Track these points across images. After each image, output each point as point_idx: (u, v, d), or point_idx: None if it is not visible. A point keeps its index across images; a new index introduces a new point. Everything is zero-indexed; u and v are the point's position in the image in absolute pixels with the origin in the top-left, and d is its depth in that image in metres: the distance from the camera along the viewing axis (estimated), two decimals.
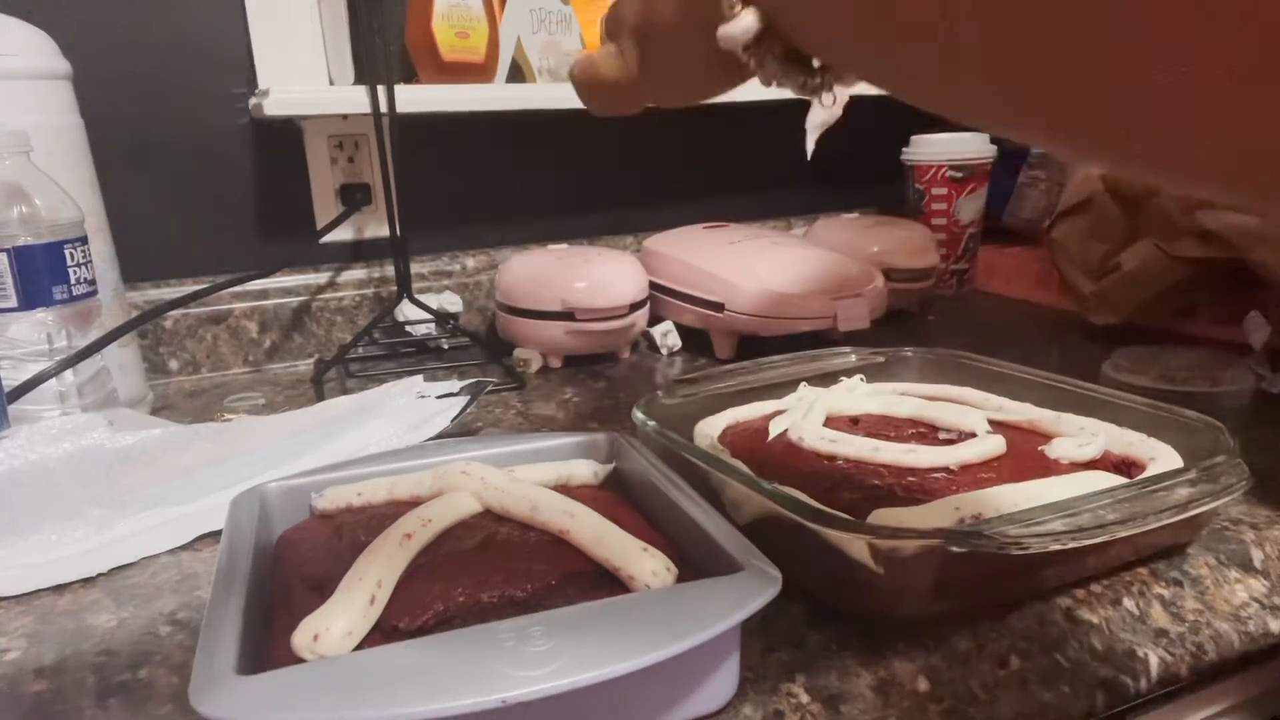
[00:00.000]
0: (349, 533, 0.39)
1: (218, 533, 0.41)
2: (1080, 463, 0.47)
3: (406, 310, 0.85)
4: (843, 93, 0.32)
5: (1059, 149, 0.18)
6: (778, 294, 0.79)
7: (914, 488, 0.44)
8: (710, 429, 0.53)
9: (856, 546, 0.36)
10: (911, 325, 0.93)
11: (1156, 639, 0.40)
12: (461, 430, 0.63)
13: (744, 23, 0.28)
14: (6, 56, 0.61)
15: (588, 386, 0.77)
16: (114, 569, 0.47)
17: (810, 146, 0.40)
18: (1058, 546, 0.35)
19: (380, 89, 0.77)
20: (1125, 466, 0.47)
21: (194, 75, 0.81)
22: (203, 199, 0.84)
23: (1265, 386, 0.65)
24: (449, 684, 0.27)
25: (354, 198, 0.88)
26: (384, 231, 0.87)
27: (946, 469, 0.45)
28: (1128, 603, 0.41)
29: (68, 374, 0.59)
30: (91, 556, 0.47)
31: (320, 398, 0.73)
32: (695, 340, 0.86)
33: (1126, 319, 0.80)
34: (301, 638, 0.31)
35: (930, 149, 1.02)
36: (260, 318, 0.86)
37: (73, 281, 0.59)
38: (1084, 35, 0.15)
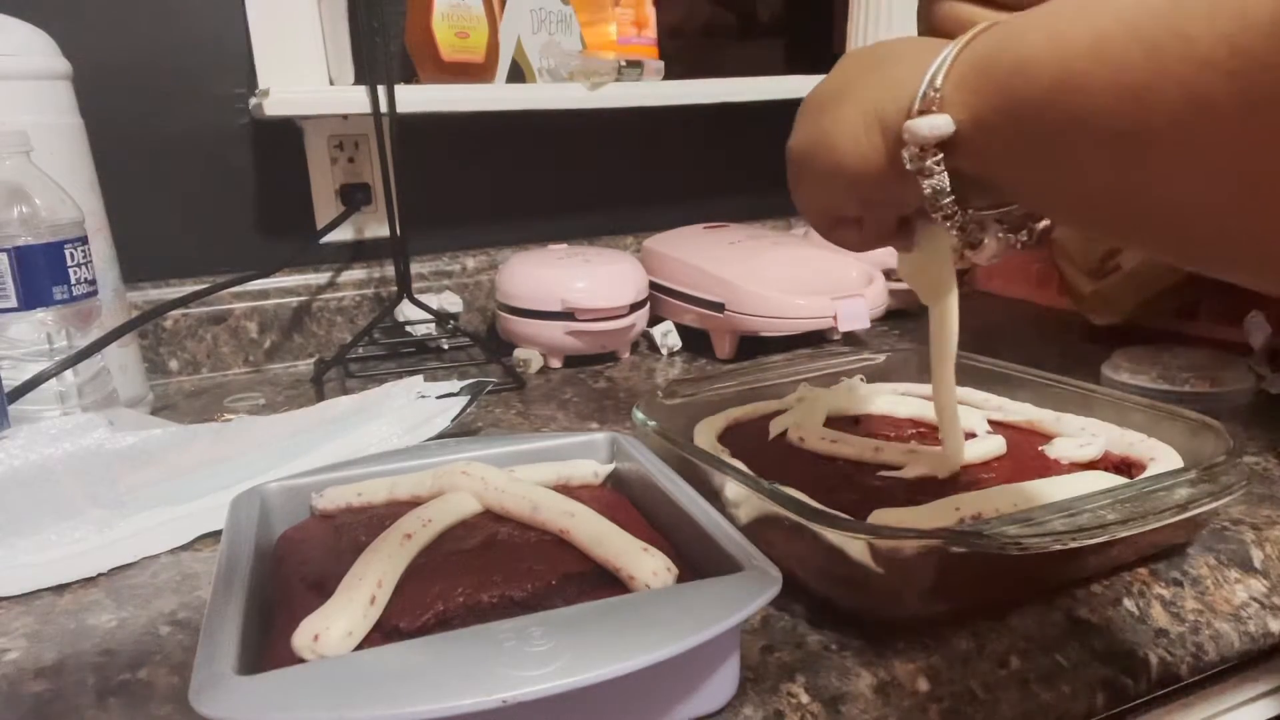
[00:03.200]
0: (349, 533, 0.39)
1: (218, 533, 0.41)
2: (1080, 463, 0.47)
3: (407, 310, 0.85)
4: (993, 247, 0.34)
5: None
6: (778, 294, 0.79)
7: (914, 488, 0.44)
8: (710, 429, 0.53)
9: (857, 546, 0.36)
10: (911, 325, 0.93)
11: (1157, 639, 0.40)
12: (462, 430, 0.63)
13: (937, 121, 0.29)
14: (7, 56, 0.61)
15: (588, 387, 0.77)
16: (114, 569, 0.47)
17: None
18: (1058, 546, 0.35)
19: (380, 89, 0.77)
20: (1125, 467, 0.47)
21: (194, 75, 0.81)
22: (203, 199, 0.84)
23: (1265, 386, 0.65)
24: (449, 684, 0.27)
25: (354, 198, 0.88)
26: (384, 231, 0.87)
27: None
28: (1128, 603, 0.41)
29: (68, 374, 0.59)
30: (92, 556, 0.47)
31: (320, 398, 0.73)
32: (695, 340, 0.86)
33: (1126, 319, 0.80)
34: (302, 638, 0.31)
35: None
36: (260, 318, 0.86)
37: (73, 281, 0.59)
38: None
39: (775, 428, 0.52)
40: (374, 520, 0.40)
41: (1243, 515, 0.47)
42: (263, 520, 0.41)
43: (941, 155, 0.30)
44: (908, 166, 0.31)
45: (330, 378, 0.80)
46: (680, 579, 0.35)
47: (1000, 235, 0.34)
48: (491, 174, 0.97)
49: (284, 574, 0.38)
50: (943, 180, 0.31)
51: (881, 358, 0.64)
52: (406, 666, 0.28)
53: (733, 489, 0.43)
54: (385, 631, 0.32)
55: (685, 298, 0.85)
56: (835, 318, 0.79)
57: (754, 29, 1.18)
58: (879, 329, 0.90)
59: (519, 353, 0.83)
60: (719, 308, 0.81)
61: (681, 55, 1.00)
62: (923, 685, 0.36)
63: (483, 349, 0.85)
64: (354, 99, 0.78)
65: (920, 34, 0.40)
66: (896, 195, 0.34)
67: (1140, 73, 0.23)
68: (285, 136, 0.86)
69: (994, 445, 0.48)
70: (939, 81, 0.30)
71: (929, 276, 0.41)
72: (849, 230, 0.39)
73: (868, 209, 0.36)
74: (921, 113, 0.30)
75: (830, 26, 1.17)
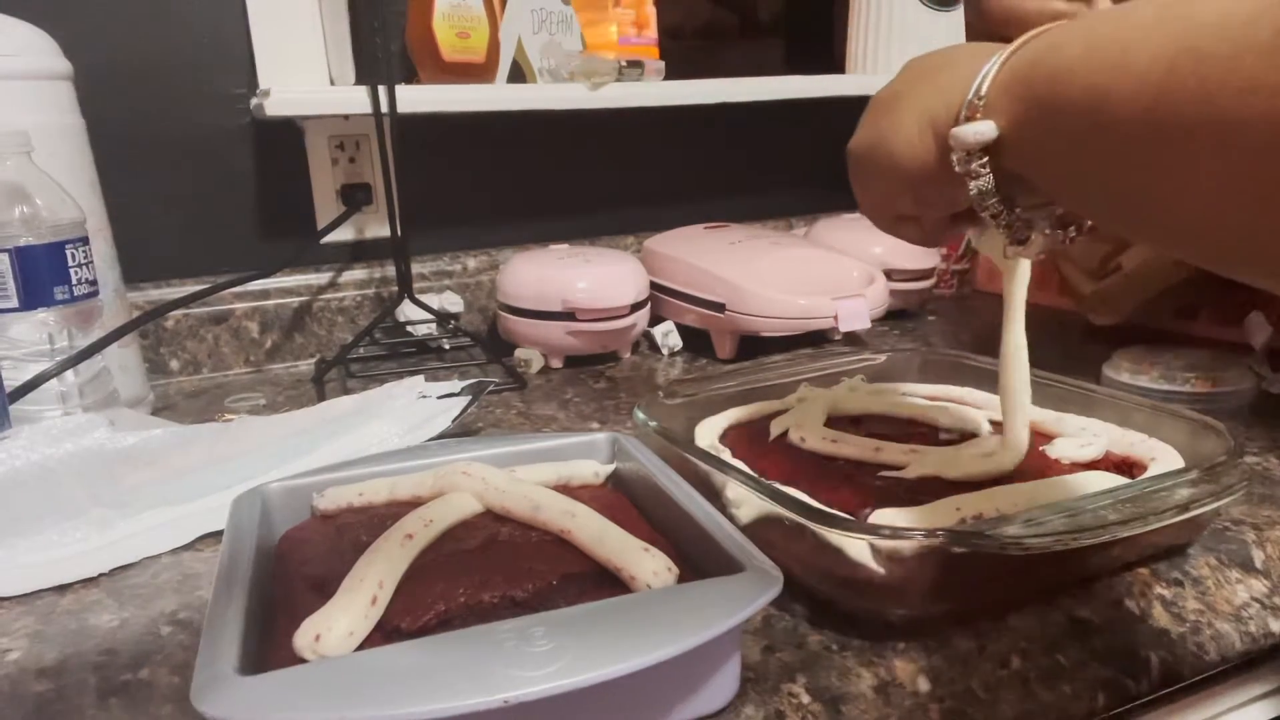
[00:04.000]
0: (350, 533, 0.39)
1: (219, 533, 0.41)
2: (1081, 463, 0.47)
3: (407, 310, 0.85)
4: (1038, 244, 0.36)
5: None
6: (779, 294, 0.79)
7: (915, 488, 0.44)
8: (711, 429, 0.53)
9: (857, 547, 0.36)
10: (912, 325, 0.93)
11: (1158, 639, 0.40)
12: (462, 430, 0.63)
13: (980, 127, 0.31)
14: (7, 57, 0.61)
15: (589, 387, 0.77)
16: (115, 569, 0.47)
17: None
18: (1059, 546, 0.35)
19: (381, 89, 0.77)
20: (1126, 467, 0.47)
21: (195, 75, 0.81)
22: (204, 199, 0.84)
23: (1265, 386, 0.65)
24: (451, 684, 0.27)
25: (355, 198, 0.88)
26: (385, 232, 0.87)
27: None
28: (1129, 603, 0.41)
29: (69, 374, 0.59)
30: (93, 556, 0.47)
31: (321, 398, 0.73)
32: (696, 340, 0.86)
33: (1127, 319, 0.80)
34: (303, 638, 0.31)
35: None
36: (261, 318, 0.86)
37: (74, 282, 0.59)
38: None
39: (776, 428, 0.52)
40: (375, 520, 0.40)
41: (1244, 515, 0.47)
42: (264, 520, 0.41)
43: (986, 159, 0.32)
44: (956, 169, 0.33)
45: (331, 378, 0.80)
46: (681, 579, 0.35)
47: (1048, 232, 0.36)
48: (492, 174, 0.97)
49: (285, 574, 0.38)
50: (988, 182, 0.33)
51: (882, 358, 0.64)
52: (408, 667, 0.28)
53: (734, 489, 0.43)
54: (386, 632, 0.32)
55: (686, 298, 0.85)
56: (836, 318, 0.79)
57: (754, 29, 1.18)
58: (879, 329, 0.90)
59: (520, 353, 0.83)
60: (720, 308, 0.81)
61: (682, 55, 1.00)
62: (923, 685, 0.36)
63: (484, 349, 0.85)
64: (355, 99, 0.78)
65: (968, 20, 0.43)
66: (949, 195, 0.36)
67: (1156, 84, 0.24)
68: (286, 136, 0.86)
69: (995, 445, 0.48)
70: (984, 89, 0.32)
71: (997, 251, 0.43)
72: (910, 226, 0.41)
73: (923, 207, 0.38)
74: (968, 119, 0.32)
75: (830, 27, 1.17)
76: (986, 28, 0.42)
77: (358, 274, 0.90)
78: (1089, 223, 0.37)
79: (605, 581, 0.36)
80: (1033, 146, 0.30)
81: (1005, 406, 0.46)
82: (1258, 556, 0.44)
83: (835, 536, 0.37)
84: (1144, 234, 0.29)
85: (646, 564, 0.35)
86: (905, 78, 0.39)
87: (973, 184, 0.33)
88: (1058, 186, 0.31)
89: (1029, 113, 0.30)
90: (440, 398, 0.63)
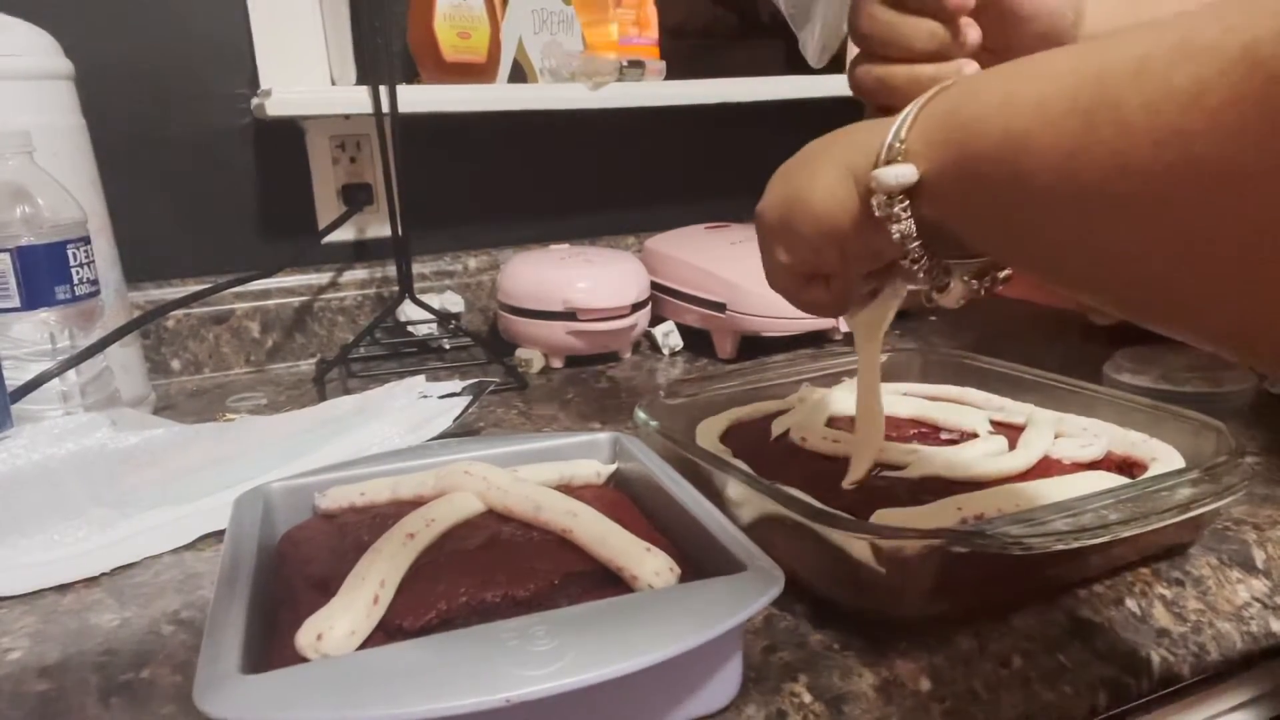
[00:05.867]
0: (352, 532, 0.39)
1: (221, 532, 0.41)
2: (1082, 463, 0.47)
3: (408, 310, 0.85)
4: (958, 291, 0.36)
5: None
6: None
7: (916, 488, 0.44)
8: (712, 429, 0.54)
9: (859, 546, 0.36)
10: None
11: (1159, 639, 0.40)
12: (463, 430, 0.63)
13: (901, 169, 0.31)
14: (9, 57, 0.61)
15: (589, 386, 0.77)
16: (117, 568, 0.47)
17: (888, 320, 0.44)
18: (1060, 546, 0.35)
19: (382, 89, 0.77)
20: (1127, 467, 0.47)
21: (196, 75, 0.81)
22: (205, 199, 0.84)
23: (1267, 386, 0.65)
24: (452, 683, 0.27)
25: (356, 198, 0.88)
26: (386, 232, 0.87)
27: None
28: (1130, 603, 0.41)
29: (70, 374, 0.59)
30: (94, 556, 0.47)
31: (322, 398, 0.73)
32: (697, 340, 0.86)
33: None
34: (305, 637, 0.31)
35: None
36: (262, 318, 0.86)
37: (75, 281, 0.59)
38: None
39: (777, 428, 0.53)
40: (377, 520, 0.40)
41: (1244, 515, 0.47)
42: (266, 520, 0.41)
43: (908, 202, 0.32)
44: (876, 213, 0.33)
45: (332, 378, 0.80)
46: (683, 579, 0.35)
47: (964, 279, 0.36)
48: (493, 174, 0.97)
49: (287, 573, 0.38)
50: (909, 226, 0.32)
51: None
52: (409, 666, 0.28)
53: (735, 489, 0.43)
54: (388, 631, 0.32)
55: (687, 298, 0.85)
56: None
57: (755, 29, 1.18)
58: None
59: (520, 353, 0.83)
60: (720, 308, 0.81)
61: (682, 55, 0.99)
62: (925, 685, 0.36)
63: (484, 349, 0.85)
64: (356, 99, 0.78)
65: (854, 93, 0.42)
66: (873, 244, 0.35)
67: (1075, 136, 0.24)
68: (287, 136, 0.86)
69: (996, 446, 0.48)
70: (903, 133, 0.31)
71: (873, 323, 0.44)
72: (818, 290, 0.40)
73: (845, 262, 0.37)
74: (888, 162, 0.32)
75: None
76: (860, 99, 0.41)
77: (358, 274, 0.90)
78: (1006, 272, 0.36)
79: (607, 581, 0.36)
80: (951, 192, 0.30)
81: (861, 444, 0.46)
82: (1258, 556, 0.44)
83: (837, 536, 0.37)
84: (1062, 283, 0.29)
85: (648, 564, 0.35)
86: (814, 145, 0.38)
87: (894, 228, 0.32)
88: (976, 233, 0.31)
89: (947, 158, 0.30)
90: (441, 398, 0.63)
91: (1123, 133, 0.22)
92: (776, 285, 0.42)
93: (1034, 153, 0.25)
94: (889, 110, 0.35)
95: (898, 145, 0.31)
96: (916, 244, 0.33)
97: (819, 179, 0.36)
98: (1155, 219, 0.23)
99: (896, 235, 0.32)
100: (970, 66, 0.38)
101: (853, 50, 0.41)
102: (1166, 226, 0.22)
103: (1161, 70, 0.22)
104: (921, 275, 0.34)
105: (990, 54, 0.38)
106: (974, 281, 0.36)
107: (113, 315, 0.67)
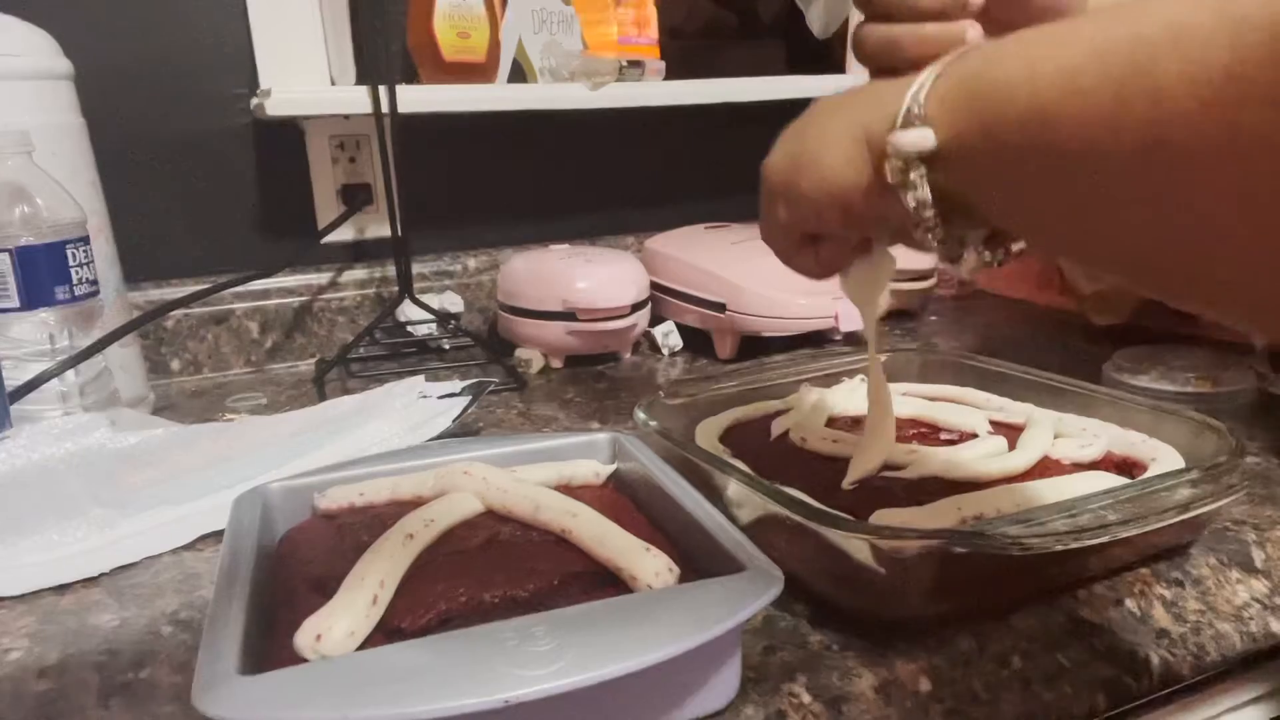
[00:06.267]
0: (351, 533, 0.39)
1: (220, 532, 0.41)
2: (1082, 463, 0.47)
3: (408, 310, 0.85)
4: (971, 261, 0.34)
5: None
6: (779, 294, 0.79)
7: (916, 488, 0.44)
8: (712, 429, 0.53)
9: (858, 547, 0.36)
10: (913, 325, 0.93)
11: (1158, 639, 0.40)
12: (463, 430, 0.63)
13: (919, 134, 0.30)
14: (9, 56, 0.61)
15: (589, 387, 0.77)
16: (116, 569, 0.47)
17: (881, 305, 0.43)
18: (1060, 547, 0.35)
19: (382, 89, 0.77)
20: (1127, 467, 0.47)
21: (196, 75, 0.81)
22: (204, 199, 0.84)
23: (1267, 386, 0.65)
24: (452, 684, 0.27)
25: (355, 198, 0.88)
26: (385, 232, 0.87)
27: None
28: (1129, 603, 0.41)
29: (70, 374, 0.59)
30: (94, 556, 0.47)
31: (322, 398, 0.73)
32: (697, 340, 0.86)
33: (1127, 319, 0.80)
34: (304, 638, 0.31)
35: None
36: (262, 318, 0.86)
37: (75, 281, 0.59)
38: None
39: (777, 428, 0.53)
40: (376, 520, 0.40)
41: (1244, 516, 0.47)
42: (265, 520, 0.41)
43: (924, 169, 0.31)
44: (890, 180, 0.32)
45: (332, 378, 0.80)
46: (682, 579, 0.35)
47: (979, 250, 0.35)
48: (493, 174, 0.97)
49: (286, 574, 0.38)
50: (925, 193, 0.31)
51: (883, 358, 0.64)
52: (409, 666, 0.28)
53: (734, 489, 0.43)
54: (387, 631, 0.32)
55: (686, 298, 0.85)
56: (836, 318, 0.79)
57: (755, 29, 1.18)
58: (880, 329, 0.90)
59: (520, 353, 0.83)
60: (720, 308, 0.81)
61: (682, 55, 1.00)
62: (924, 685, 0.36)
63: (484, 349, 0.85)
64: (355, 99, 0.78)
65: (859, 58, 0.41)
66: (880, 209, 0.34)
67: (1105, 106, 0.23)
68: (287, 136, 0.86)
69: (995, 446, 0.48)
70: (922, 97, 0.30)
71: (868, 285, 0.42)
72: (808, 255, 0.39)
73: (846, 225, 0.36)
74: (905, 127, 0.30)
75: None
76: (865, 64, 0.41)
77: (358, 274, 0.90)
78: (1019, 245, 0.36)
79: (606, 581, 0.36)
80: (970, 161, 0.29)
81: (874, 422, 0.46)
82: (1258, 557, 0.44)
83: (837, 537, 0.37)
84: (1082, 257, 0.28)
85: (648, 564, 0.35)
86: (827, 102, 0.37)
87: (909, 195, 0.31)
88: (995, 204, 0.30)
89: (968, 126, 0.29)
90: (441, 398, 0.63)
91: (1157, 103, 0.22)
92: (771, 242, 0.41)
93: (1061, 123, 0.25)
94: (893, 74, 0.34)
95: (916, 109, 0.30)
96: (931, 212, 0.32)
97: (830, 139, 0.34)
98: (1190, 192, 0.22)
99: (912, 203, 0.31)
100: (974, 29, 0.37)
101: (856, 22, 0.40)
102: (1203, 199, 0.22)
103: (1200, 39, 0.21)
104: (935, 245, 0.33)
105: (994, 24, 0.37)
106: (987, 252, 0.35)
107: (112, 315, 0.67)
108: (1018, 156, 0.27)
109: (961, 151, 0.29)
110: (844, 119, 0.34)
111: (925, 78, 0.30)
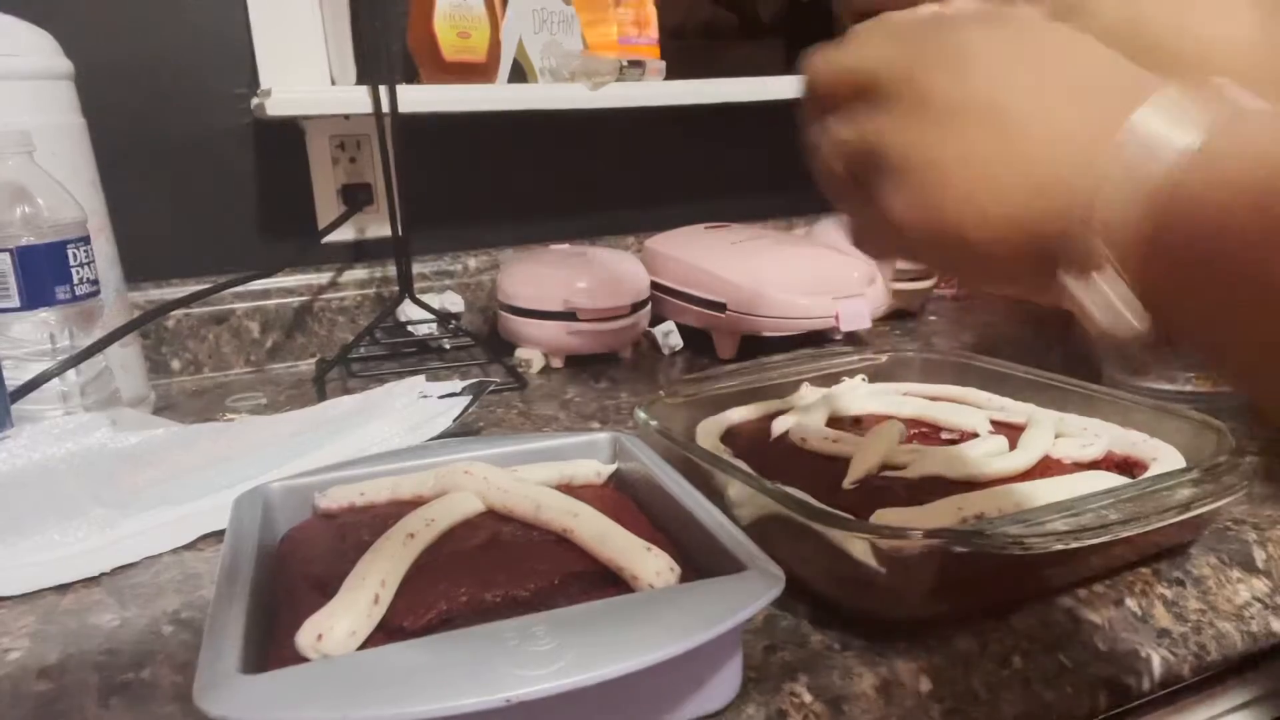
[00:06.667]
0: (352, 532, 0.39)
1: (220, 532, 0.41)
2: (1083, 463, 0.47)
3: (408, 310, 0.86)
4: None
5: None
6: (780, 294, 0.79)
7: (916, 488, 0.44)
8: (713, 429, 0.53)
9: (859, 546, 0.36)
10: (913, 325, 0.93)
11: (1159, 639, 0.40)
12: (464, 430, 0.63)
13: (1106, 284, 0.25)
14: (9, 56, 0.61)
15: (590, 386, 0.77)
16: (117, 568, 0.47)
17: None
18: (1060, 546, 0.35)
19: (382, 89, 0.77)
20: (1128, 466, 0.47)
21: (196, 75, 0.81)
22: (205, 199, 0.84)
23: None
24: (453, 683, 0.27)
25: (356, 198, 0.88)
26: (386, 231, 0.87)
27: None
28: (1130, 603, 0.41)
29: (70, 374, 0.59)
30: (94, 556, 0.47)
31: (322, 397, 0.73)
32: (697, 340, 0.86)
33: None
34: (305, 637, 0.31)
35: None
36: (262, 318, 0.86)
37: (75, 281, 0.59)
38: None
39: (777, 428, 0.53)
40: (377, 520, 0.40)
41: (1245, 515, 0.47)
42: (265, 520, 0.41)
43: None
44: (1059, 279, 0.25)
45: (332, 377, 0.80)
46: (683, 579, 0.35)
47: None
48: (493, 174, 0.97)
49: (287, 573, 0.38)
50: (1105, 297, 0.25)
51: (883, 358, 0.64)
52: (410, 666, 0.28)
53: (735, 489, 0.43)
54: (389, 631, 0.32)
55: (687, 298, 0.85)
56: (837, 317, 0.79)
57: (755, 29, 1.18)
58: (880, 329, 0.90)
59: (520, 353, 0.83)
60: (721, 308, 0.81)
61: (682, 55, 0.99)
62: (925, 685, 0.36)
63: (484, 349, 0.85)
64: (356, 99, 0.78)
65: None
66: (1028, 283, 0.27)
67: None
68: (287, 136, 0.86)
69: (996, 445, 0.48)
70: (1110, 224, 0.24)
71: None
72: (857, 199, 0.32)
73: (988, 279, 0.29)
74: (1081, 261, 0.25)
75: (831, 27, 1.17)
76: (840, 8, 0.37)
77: (358, 274, 0.90)
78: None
79: (607, 581, 0.36)
80: (1160, 289, 0.24)
81: None
82: (1259, 556, 0.44)
83: (837, 536, 0.37)
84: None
85: (649, 563, 0.35)
86: (1046, 42, 0.27)
87: (1088, 300, 0.25)
88: (1179, 326, 0.25)
89: (1160, 258, 0.23)
90: (441, 397, 0.63)
91: None
92: (822, 162, 0.33)
93: None
94: (865, 16, 0.28)
95: (1099, 246, 0.24)
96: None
97: (1046, 108, 0.26)
98: None
99: (1095, 311, 0.25)
100: None
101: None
102: None
103: None
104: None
105: None
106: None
107: (113, 315, 0.67)
108: (1225, 299, 0.22)
109: (1150, 277, 0.24)
110: (1013, 165, 0.26)
111: (1113, 197, 0.24)
